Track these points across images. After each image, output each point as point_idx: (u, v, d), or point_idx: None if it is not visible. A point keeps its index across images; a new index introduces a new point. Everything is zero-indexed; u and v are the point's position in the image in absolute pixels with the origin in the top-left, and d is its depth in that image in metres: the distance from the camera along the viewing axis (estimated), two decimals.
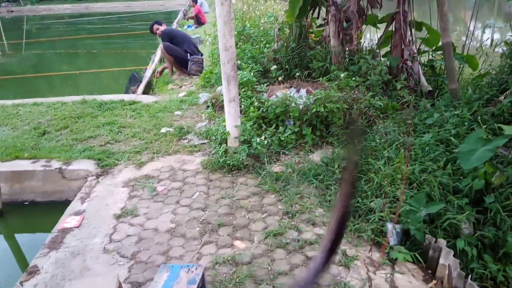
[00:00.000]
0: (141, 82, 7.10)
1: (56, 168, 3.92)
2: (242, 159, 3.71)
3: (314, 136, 4.02)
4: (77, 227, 3.08)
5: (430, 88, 4.56)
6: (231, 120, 3.85)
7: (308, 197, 3.25)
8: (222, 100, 4.09)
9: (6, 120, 5.19)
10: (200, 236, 2.89)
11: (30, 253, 3.19)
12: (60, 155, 4.12)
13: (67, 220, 3.16)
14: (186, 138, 4.50)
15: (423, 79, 4.66)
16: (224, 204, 3.26)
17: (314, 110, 3.98)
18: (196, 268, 2.19)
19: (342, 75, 4.41)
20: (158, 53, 8.64)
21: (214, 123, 4.68)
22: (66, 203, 3.53)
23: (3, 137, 4.59)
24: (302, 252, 2.67)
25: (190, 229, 2.98)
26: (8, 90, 7.95)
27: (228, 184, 3.55)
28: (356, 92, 4.23)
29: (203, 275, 2.18)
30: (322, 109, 3.95)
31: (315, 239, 2.77)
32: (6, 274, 3.12)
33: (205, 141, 4.37)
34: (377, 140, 3.59)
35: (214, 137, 4.21)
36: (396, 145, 3.39)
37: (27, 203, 3.92)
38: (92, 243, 2.88)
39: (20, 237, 3.65)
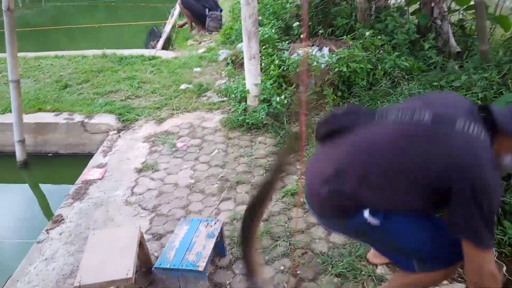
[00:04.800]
0: (160, 37, 7.01)
1: (78, 121, 3.98)
2: (261, 118, 3.69)
3: (335, 97, 3.94)
4: (100, 179, 3.16)
5: (459, 49, 4.36)
6: (251, 78, 3.80)
7: None
8: (242, 58, 4.02)
9: (28, 72, 5.24)
10: (218, 193, 2.94)
11: (54, 203, 3.31)
12: (82, 109, 4.17)
13: (90, 173, 3.25)
14: (206, 95, 4.48)
15: (452, 39, 4.46)
16: (243, 162, 3.28)
17: (336, 69, 3.89)
18: (215, 223, 2.24)
19: (367, 33, 4.25)
20: (178, 7, 8.46)
21: (233, 81, 4.63)
22: (89, 156, 3.62)
23: (26, 89, 4.64)
24: None
25: (208, 185, 3.03)
26: (29, 43, 7.94)
27: (247, 143, 3.55)
28: (382, 51, 4.09)
29: (221, 230, 2.23)
30: (345, 69, 3.85)
31: None
32: (32, 222, 3.26)
33: (225, 98, 4.35)
34: (401, 102, 3.50)
35: (233, 95, 4.17)
36: None
37: (51, 154, 4.03)
38: (115, 195, 2.97)
39: (45, 187, 3.77)
